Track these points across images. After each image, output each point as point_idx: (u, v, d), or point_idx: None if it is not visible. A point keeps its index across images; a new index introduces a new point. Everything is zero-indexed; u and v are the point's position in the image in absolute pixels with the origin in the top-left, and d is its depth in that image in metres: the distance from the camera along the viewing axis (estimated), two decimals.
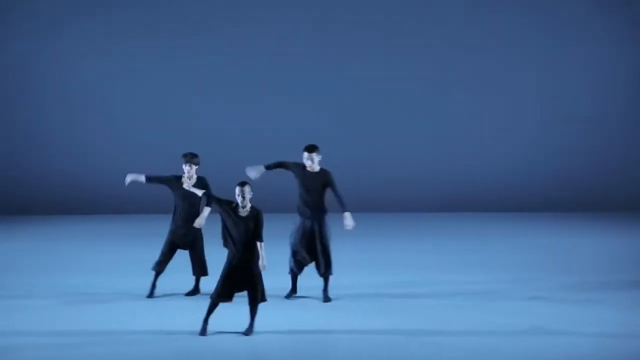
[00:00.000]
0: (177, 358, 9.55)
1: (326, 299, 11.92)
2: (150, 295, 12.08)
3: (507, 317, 10.95)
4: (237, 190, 10.07)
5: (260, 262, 10.15)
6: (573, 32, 20.91)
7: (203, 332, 10.12)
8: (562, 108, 21.06)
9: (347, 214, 11.83)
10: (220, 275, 10.16)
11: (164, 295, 12.15)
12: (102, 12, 20.89)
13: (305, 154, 11.87)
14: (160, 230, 12.86)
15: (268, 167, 12.01)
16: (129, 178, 12.09)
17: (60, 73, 20.94)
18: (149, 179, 12.12)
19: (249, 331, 10.21)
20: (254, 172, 11.99)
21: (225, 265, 10.15)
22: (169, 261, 12.18)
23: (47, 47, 20.87)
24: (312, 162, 11.85)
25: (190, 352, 9.68)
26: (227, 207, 10.10)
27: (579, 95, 21.04)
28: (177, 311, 11.35)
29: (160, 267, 12.13)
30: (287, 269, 12.05)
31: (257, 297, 10.16)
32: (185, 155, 12.12)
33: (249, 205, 10.11)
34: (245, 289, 10.15)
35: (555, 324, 10.59)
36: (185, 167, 12.05)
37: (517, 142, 21.02)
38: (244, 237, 10.05)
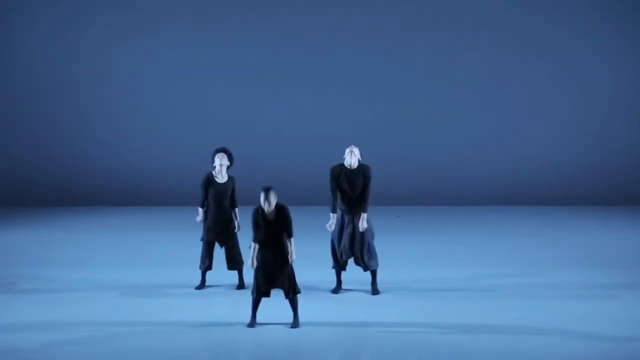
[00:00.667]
0: (221, 348, 9.70)
1: (375, 291, 11.94)
2: (200, 287, 12.23)
3: (543, 315, 10.89)
4: (262, 196, 10.13)
5: (289, 257, 10.28)
6: (598, 32, 20.80)
7: (252, 324, 10.30)
8: (595, 101, 20.95)
9: (364, 215, 11.76)
10: (255, 272, 10.30)
11: (211, 286, 12.31)
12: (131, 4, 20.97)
13: (347, 150, 11.73)
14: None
15: (334, 210, 11.87)
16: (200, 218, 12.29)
17: (92, 64, 21.00)
18: (203, 204, 12.23)
19: (295, 324, 10.37)
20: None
21: (257, 263, 10.27)
22: (211, 258, 12.27)
23: (81, 37, 20.98)
24: (351, 157, 11.68)
25: (232, 343, 9.82)
26: (257, 216, 10.19)
27: (607, 89, 20.92)
28: (223, 303, 11.48)
29: (204, 265, 12.26)
30: (330, 263, 12.09)
31: (289, 292, 10.32)
32: (218, 151, 12.19)
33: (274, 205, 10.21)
34: (279, 286, 10.30)
35: (584, 324, 10.53)
36: (217, 160, 12.09)
37: (557, 136, 20.91)
38: (273, 237, 10.22)
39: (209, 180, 12.14)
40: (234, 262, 12.26)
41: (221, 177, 12.16)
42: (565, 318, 10.67)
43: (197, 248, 12.52)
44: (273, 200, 10.11)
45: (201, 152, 20.36)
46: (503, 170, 20.79)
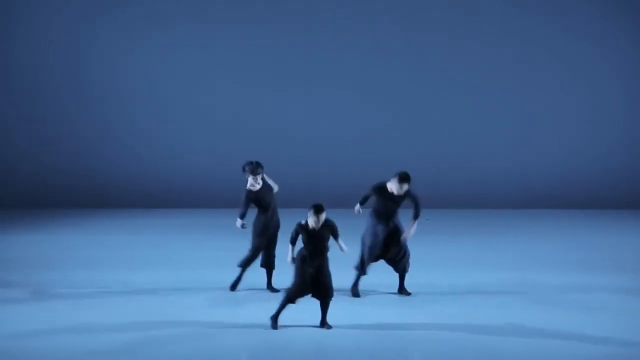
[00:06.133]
0: (255, 351, 9.60)
1: (407, 293, 11.97)
2: (234, 287, 12.05)
3: (568, 319, 10.76)
4: (314, 218, 10.08)
5: (341, 246, 10.35)
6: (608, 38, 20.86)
7: (274, 325, 10.19)
8: (611, 103, 20.97)
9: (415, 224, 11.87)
10: (297, 279, 10.19)
11: (246, 289, 12.18)
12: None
13: (405, 185, 11.71)
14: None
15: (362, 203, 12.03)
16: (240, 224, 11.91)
17: (108, 66, 21.03)
18: (243, 216, 11.89)
19: (328, 325, 10.29)
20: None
21: (299, 269, 10.18)
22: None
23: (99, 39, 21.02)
24: (401, 188, 11.74)
25: (254, 345, 9.70)
26: (300, 230, 10.19)
27: (620, 93, 20.95)
28: (248, 305, 11.37)
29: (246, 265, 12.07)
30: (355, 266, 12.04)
31: (327, 297, 10.28)
32: (250, 164, 11.88)
33: None
34: (318, 294, 10.26)
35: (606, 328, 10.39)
36: (250, 179, 11.82)
37: (572, 140, 21.01)
38: (319, 247, 10.20)
39: (251, 193, 11.89)
40: (270, 261, 12.09)
41: (258, 185, 11.96)
42: (588, 322, 10.58)
43: (218, 250, 12.38)
44: (323, 219, 10.13)
45: (218, 154, 20.55)
46: (523, 173, 20.88)
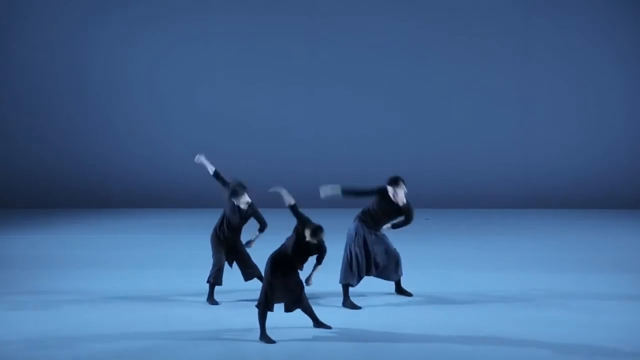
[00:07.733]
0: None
1: (408, 293, 11.80)
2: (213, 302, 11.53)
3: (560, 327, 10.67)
4: (310, 233, 9.70)
5: (309, 278, 10.02)
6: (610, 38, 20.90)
7: (268, 339, 9.69)
8: (614, 103, 21.01)
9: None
10: (268, 286, 9.77)
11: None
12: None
13: (399, 188, 11.12)
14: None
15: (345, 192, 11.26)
16: (201, 158, 11.62)
17: (108, 65, 21.08)
18: (216, 175, 11.54)
19: (327, 325, 10.10)
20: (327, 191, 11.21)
21: (271, 275, 9.78)
22: (222, 270, 11.63)
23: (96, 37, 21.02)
24: (397, 197, 11.20)
25: (241, 352, 9.52)
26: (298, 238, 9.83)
27: (622, 93, 20.98)
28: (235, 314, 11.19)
29: (216, 279, 11.52)
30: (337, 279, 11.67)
31: (308, 306, 10.04)
32: (232, 192, 11.30)
33: None
34: (292, 301, 9.93)
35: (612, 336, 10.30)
36: (236, 202, 11.33)
37: (575, 139, 21.07)
38: (305, 258, 9.89)
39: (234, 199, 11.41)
40: (252, 272, 11.62)
41: (244, 206, 11.40)
42: (588, 322, 10.49)
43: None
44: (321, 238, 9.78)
45: (219, 154, 20.52)
46: (523, 173, 20.87)
